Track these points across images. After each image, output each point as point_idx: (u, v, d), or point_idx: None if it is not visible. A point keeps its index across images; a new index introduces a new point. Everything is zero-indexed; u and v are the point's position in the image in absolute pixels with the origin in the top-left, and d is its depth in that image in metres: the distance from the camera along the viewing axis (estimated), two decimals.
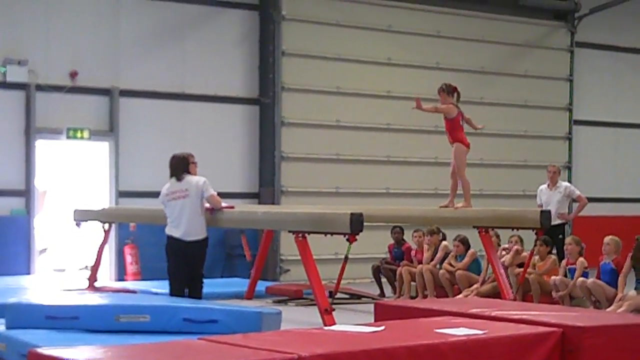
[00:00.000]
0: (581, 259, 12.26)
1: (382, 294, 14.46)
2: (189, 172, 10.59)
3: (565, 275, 12.26)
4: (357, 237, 10.14)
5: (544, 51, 20.87)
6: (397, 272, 14.15)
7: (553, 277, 12.26)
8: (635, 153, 22.14)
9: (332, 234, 10.44)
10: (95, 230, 14.47)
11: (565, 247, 12.58)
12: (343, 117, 18.24)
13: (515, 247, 13.05)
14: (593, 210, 19.92)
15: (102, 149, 16.31)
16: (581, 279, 11.86)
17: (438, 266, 13.76)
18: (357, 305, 13.26)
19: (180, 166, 10.58)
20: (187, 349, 5.66)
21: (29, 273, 15.38)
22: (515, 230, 12.67)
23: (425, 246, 14.16)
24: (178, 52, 16.92)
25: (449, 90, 12.08)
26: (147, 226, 14.47)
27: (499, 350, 6.23)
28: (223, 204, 11.17)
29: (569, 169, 21.06)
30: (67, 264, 16.92)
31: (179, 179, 10.52)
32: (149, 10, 16.71)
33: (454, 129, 12.04)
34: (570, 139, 21.24)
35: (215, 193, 10.82)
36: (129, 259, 16.03)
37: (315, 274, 10.41)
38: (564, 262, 12.47)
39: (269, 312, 9.21)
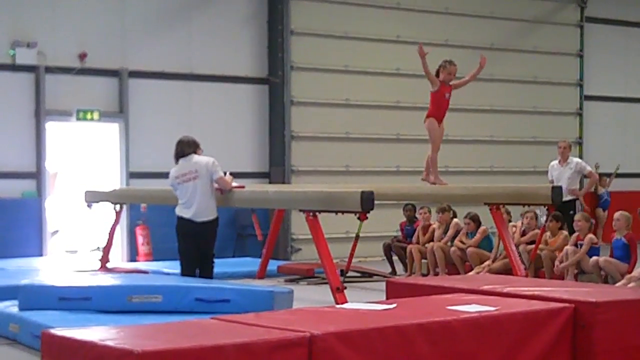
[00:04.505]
0: (590, 235, 12.27)
1: (394, 272, 14.48)
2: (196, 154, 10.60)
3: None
4: (368, 215, 10.14)
5: (553, 27, 20.77)
6: (407, 250, 14.16)
7: (566, 247, 12.25)
8: None
9: (343, 212, 10.42)
10: (106, 211, 14.49)
11: (574, 224, 12.56)
12: (352, 96, 18.22)
13: (519, 224, 13.15)
14: None
15: (112, 130, 16.32)
16: (594, 257, 11.85)
17: (449, 243, 13.77)
18: (369, 284, 13.28)
19: (191, 148, 10.57)
20: (199, 329, 5.67)
21: (41, 255, 15.43)
22: (526, 206, 12.65)
23: (437, 224, 14.16)
24: (186, 32, 16.89)
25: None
26: (158, 207, 14.48)
27: (511, 327, 6.23)
28: (233, 184, 11.16)
29: (580, 144, 21.00)
30: (79, 245, 16.97)
31: (187, 160, 10.49)
32: None
33: (431, 103, 11.99)
34: (580, 115, 21.18)
35: (224, 174, 10.81)
36: (140, 239, 16.07)
37: (326, 252, 10.40)
38: (574, 236, 12.44)
39: (280, 291, 9.23)
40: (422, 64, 11.58)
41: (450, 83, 11.91)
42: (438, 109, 11.94)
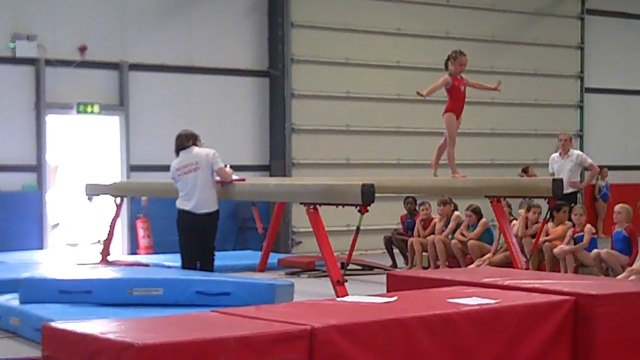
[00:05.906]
0: (589, 225, 12.26)
1: (394, 265, 14.47)
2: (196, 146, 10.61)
3: (575, 244, 12.24)
4: (368, 208, 10.13)
5: (554, 19, 20.75)
6: (408, 243, 14.15)
7: (560, 247, 12.25)
8: None
9: (343, 205, 10.42)
10: (107, 204, 14.49)
11: (574, 216, 12.51)
12: (353, 88, 18.20)
13: (524, 215, 13.09)
14: None
15: (112, 123, 16.31)
16: (595, 250, 11.84)
17: (450, 236, 13.76)
18: (369, 277, 13.27)
19: (190, 140, 10.57)
20: (200, 322, 5.67)
21: (41, 248, 15.44)
22: (527, 199, 12.63)
23: (438, 216, 14.15)
24: (186, 24, 16.87)
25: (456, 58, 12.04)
26: (159, 200, 14.49)
27: (512, 319, 6.22)
28: (234, 177, 11.16)
29: (581, 137, 20.99)
30: (80, 238, 16.98)
31: (188, 152, 10.49)
32: None
33: (448, 98, 12.03)
34: (581, 107, 21.16)
35: (224, 165, 10.82)
36: (141, 232, 16.07)
37: (327, 245, 10.41)
38: (569, 231, 12.43)
39: (281, 284, 9.23)
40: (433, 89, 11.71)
41: (463, 76, 11.93)
42: (455, 103, 11.97)
